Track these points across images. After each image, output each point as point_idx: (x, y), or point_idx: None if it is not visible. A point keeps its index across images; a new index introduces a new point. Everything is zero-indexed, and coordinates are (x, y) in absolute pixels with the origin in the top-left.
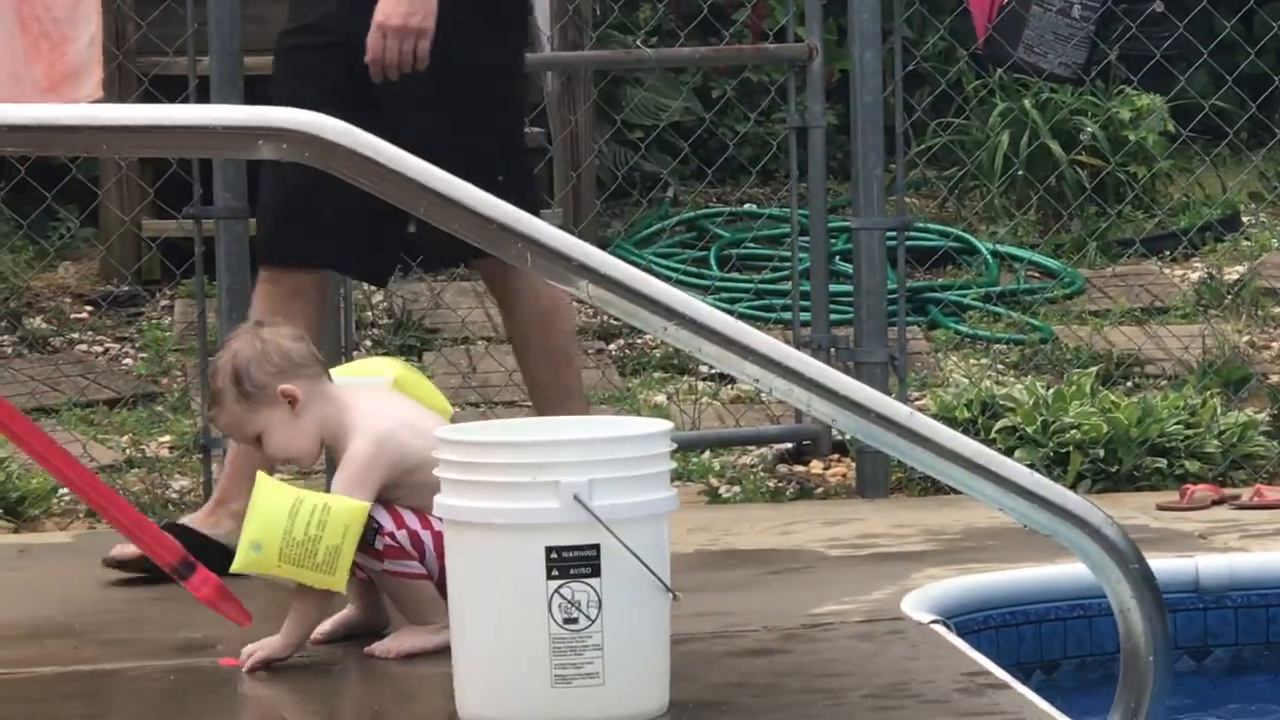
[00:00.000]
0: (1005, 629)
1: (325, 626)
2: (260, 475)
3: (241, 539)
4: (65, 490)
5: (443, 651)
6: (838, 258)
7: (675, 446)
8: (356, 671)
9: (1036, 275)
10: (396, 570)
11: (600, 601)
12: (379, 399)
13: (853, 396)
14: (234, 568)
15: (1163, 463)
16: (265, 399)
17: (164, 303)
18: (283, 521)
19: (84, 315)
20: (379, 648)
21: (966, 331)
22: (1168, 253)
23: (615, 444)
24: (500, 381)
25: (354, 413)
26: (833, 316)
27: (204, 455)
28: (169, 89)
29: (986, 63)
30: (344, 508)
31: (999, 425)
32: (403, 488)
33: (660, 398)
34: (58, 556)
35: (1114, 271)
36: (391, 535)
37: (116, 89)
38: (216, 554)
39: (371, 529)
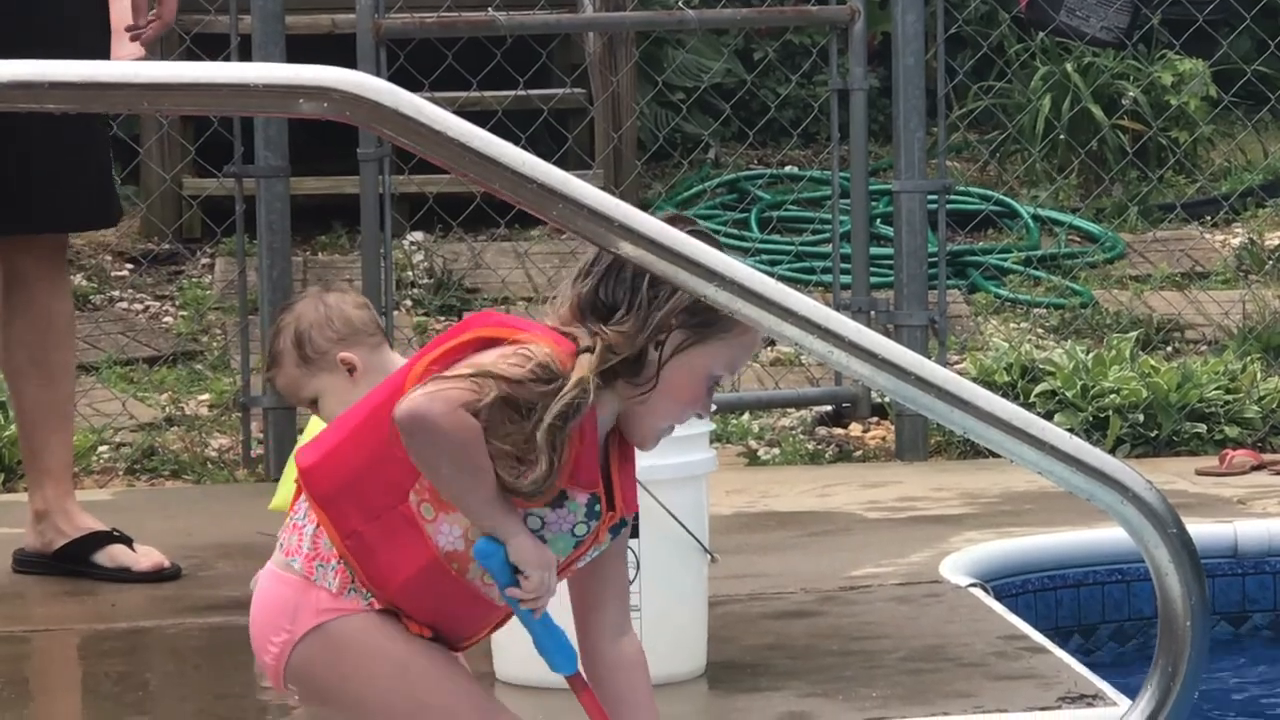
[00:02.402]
0: (1043, 593)
1: None
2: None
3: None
4: (104, 447)
5: None
6: (878, 220)
7: (714, 408)
8: None
9: (1077, 239)
10: None
11: (638, 562)
12: None
13: (892, 359)
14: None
15: (1202, 428)
16: (325, 365)
17: (204, 261)
18: None
19: (124, 273)
20: None
21: (1007, 295)
22: (1209, 218)
23: None
24: None
25: None
26: (873, 279)
27: (243, 414)
28: (211, 47)
29: (1029, 26)
30: None
31: (1038, 389)
32: None
33: None
34: (96, 514)
35: (1155, 236)
36: None
37: (158, 47)
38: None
39: None
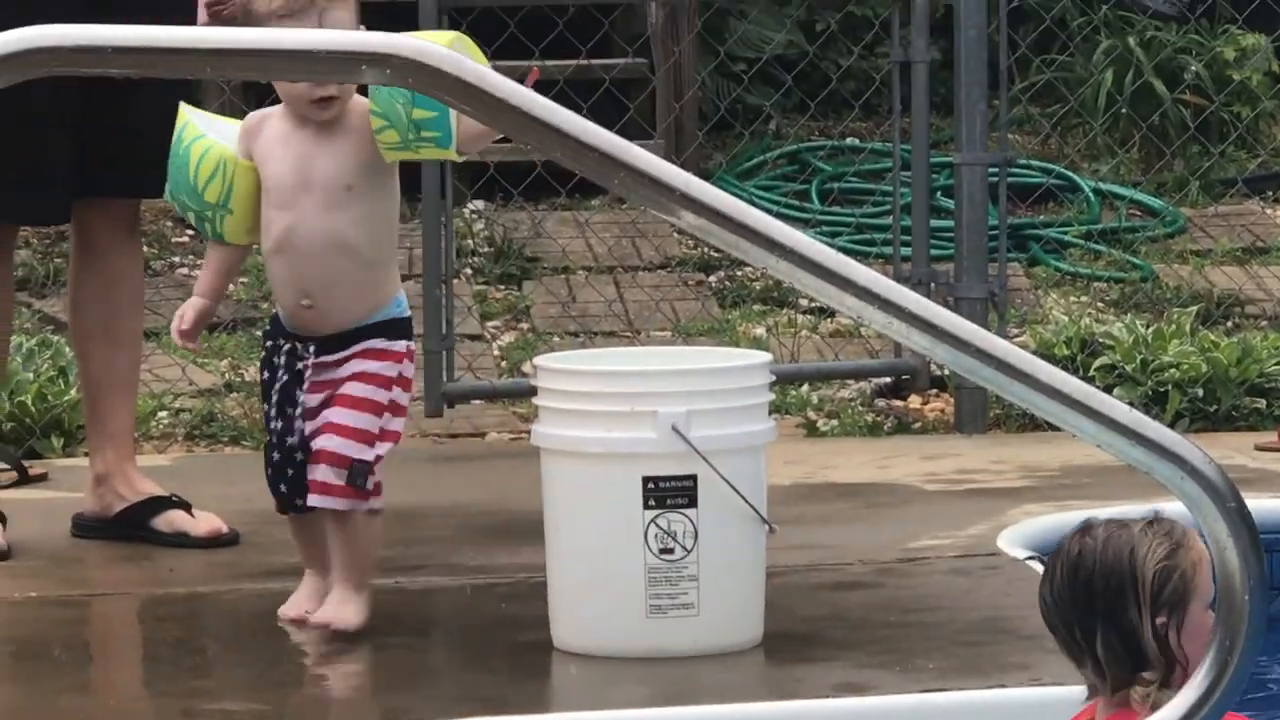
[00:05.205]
0: None
1: (308, 606)
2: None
3: None
4: (164, 413)
5: (537, 579)
6: (939, 193)
7: (774, 378)
8: (450, 600)
9: (1138, 213)
10: (376, 507)
11: (696, 532)
12: None
13: (952, 330)
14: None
15: (1261, 403)
16: None
17: None
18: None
19: (185, 239)
20: (321, 618)
21: (1067, 268)
22: (1270, 193)
23: (714, 375)
24: (600, 311)
25: None
26: (933, 252)
27: None
28: None
29: None
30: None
31: (1098, 363)
32: None
33: (759, 330)
34: (155, 479)
35: (1216, 211)
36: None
37: None
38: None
39: (362, 473)
